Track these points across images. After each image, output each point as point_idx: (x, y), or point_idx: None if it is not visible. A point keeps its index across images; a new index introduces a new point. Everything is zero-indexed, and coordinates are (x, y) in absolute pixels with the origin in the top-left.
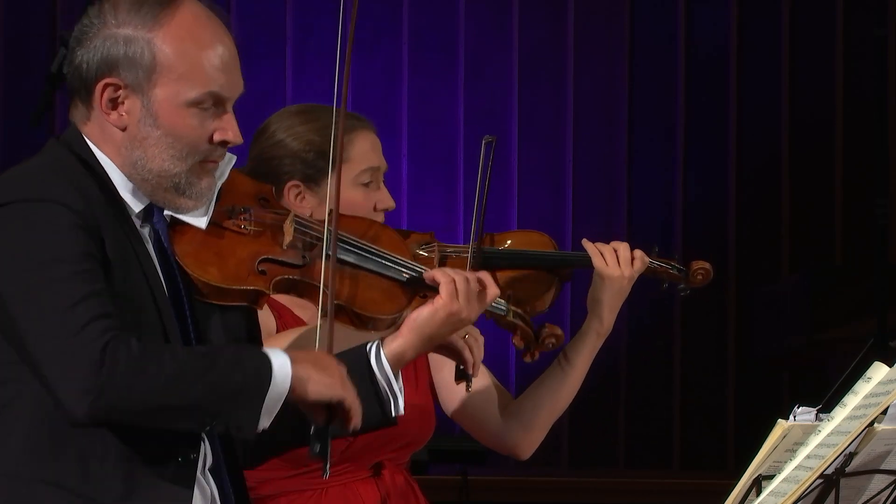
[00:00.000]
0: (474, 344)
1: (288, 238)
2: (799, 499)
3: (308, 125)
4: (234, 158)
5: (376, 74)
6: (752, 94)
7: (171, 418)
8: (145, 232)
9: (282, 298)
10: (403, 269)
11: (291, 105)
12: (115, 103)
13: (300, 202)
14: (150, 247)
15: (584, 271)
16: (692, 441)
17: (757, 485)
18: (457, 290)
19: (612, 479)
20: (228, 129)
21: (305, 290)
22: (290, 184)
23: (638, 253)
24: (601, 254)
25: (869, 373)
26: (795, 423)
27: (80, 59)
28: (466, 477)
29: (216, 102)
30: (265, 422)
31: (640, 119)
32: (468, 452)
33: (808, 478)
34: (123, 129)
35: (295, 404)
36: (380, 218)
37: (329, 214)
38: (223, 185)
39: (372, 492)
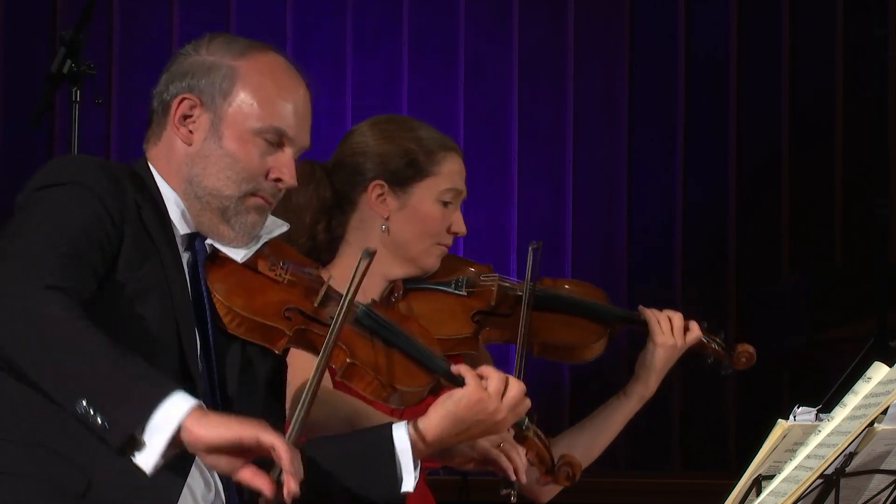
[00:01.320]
0: (511, 449)
1: (321, 298)
2: (799, 499)
3: (406, 133)
4: (287, 227)
5: (376, 74)
6: (752, 94)
7: (49, 377)
8: (185, 258)
9: None
10: (431, 356)
11: (380, 114)
12: (186, 119)
13: (380, 202)
14: (186, 272)
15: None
16: (693, 441)
17: (757, 485)
18: (489, 387)
19: (612, 479)
20: (285, 169)
21: (319, 347)
22: (374, 182)
23: (692, 324)
24: (658, 321)
25: (869, 373)
26: (795, 423)
27: (165, 83)
28: (466, 477)
29: (279, 142)
30: (149, 458)
31: (640, 119)
32: None
33: (808, 478)
34: (189, 145)
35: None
36: (449, 241)
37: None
38: (270, 243)
39: None
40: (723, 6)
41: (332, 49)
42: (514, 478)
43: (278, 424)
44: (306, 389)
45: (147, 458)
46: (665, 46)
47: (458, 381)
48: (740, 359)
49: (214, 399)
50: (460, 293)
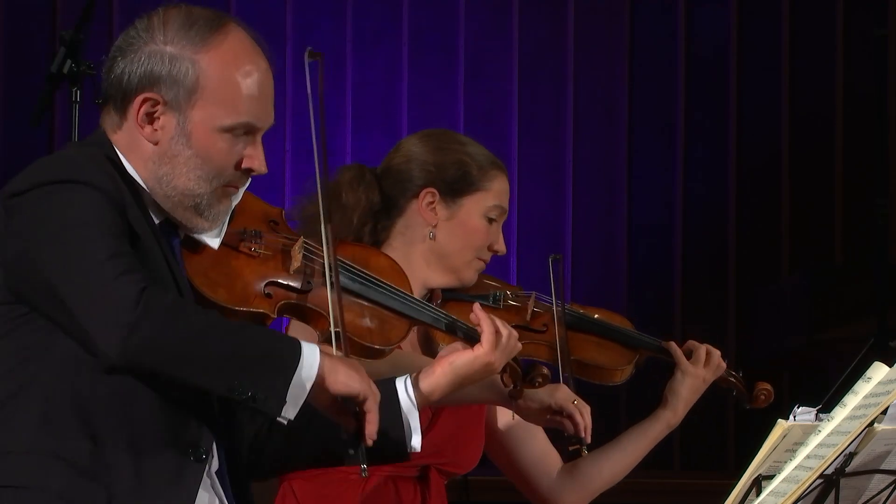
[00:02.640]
0: (584, 409)
1: (296, 263)
2: (799, 499)
3: (460, 146)
4: (249, 181)
5: (376, 74)
6: (752, 94)
7: (198, 370)
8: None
9: None
10: (424, 310)
11: (435, 128)
12: (151, 118)
13: (430, 210)
14: (167, 263)
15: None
16: (692, 441)
17: (757, 485)
18: (495, 342)
19: None
20: (256, 158)
21: (309, 315)
22: (426, 190)
23: (719, 358)
24: (692, 352)
25: (869, 373)
26: (795, 423)
27: (121, 69)
28: (467, 477)
29: (248, 131)
30: (291, 410)
31: (640, 119)
32: None
33: (808, 478)
34: (155, 144)
35: (322, 408)
36: (488, 257)
37: (326, 243)
38: (235, 206)
39: (412, 492)
40: (723, 6)
41: (332, 49)
42: (583, 434)
43: None
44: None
45: (288, 412)
46: (665, 46)
47: (469, 337)
48: (759, 396)
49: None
50: (497, 307)
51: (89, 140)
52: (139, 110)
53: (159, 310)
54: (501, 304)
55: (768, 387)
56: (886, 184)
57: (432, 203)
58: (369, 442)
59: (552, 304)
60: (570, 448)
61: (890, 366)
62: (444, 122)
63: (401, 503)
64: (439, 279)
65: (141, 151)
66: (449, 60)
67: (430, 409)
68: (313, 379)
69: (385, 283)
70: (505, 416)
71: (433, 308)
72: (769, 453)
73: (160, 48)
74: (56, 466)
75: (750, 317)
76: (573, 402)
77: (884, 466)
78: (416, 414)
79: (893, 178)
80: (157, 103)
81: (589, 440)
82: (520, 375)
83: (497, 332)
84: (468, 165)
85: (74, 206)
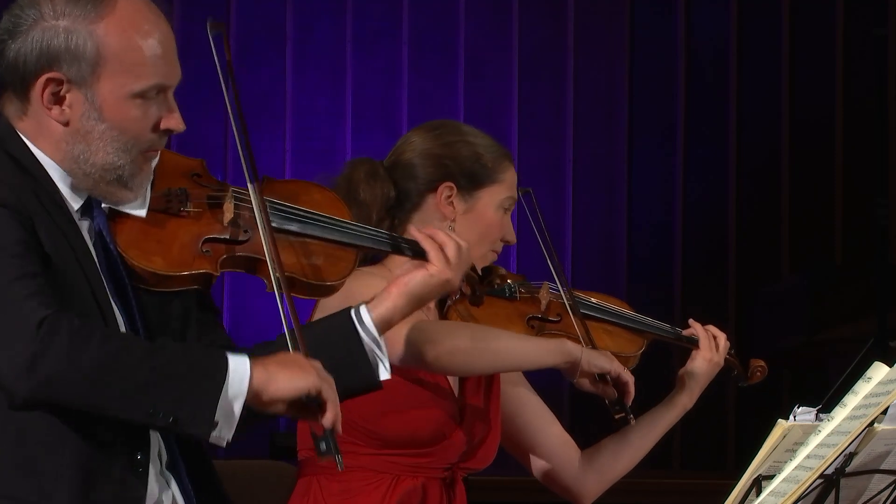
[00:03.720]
0: (630, 379)
1: (229, 215)
2: (799, 499)
3: (472, 139)
4: (162, 146)
5: (376, 74)
6: (752, 94)
7: (112, 399)
8: (84, 227)
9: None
10: (371, 234)
11: (437, 120)
12: (56, 97)
13: (448, 204)
14: (89, 242)
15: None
16: (692, 441)
17: (757, 485)
18: (447, 257)
19: None
20: (172, 118)
21: (254, 265)
22: (446, 183)
23: (722, 339)
24: (707, 338)
25: (869, 373)
26: (795, 423)
27: (14, 52)
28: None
29: (159, 91)
30: (226, 430)
31: (640, 119)
32: None
33: (808, 478)
34: (66, 124)
35: (283, 415)
36: (500, 248)
37: (252, 185)
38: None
39: (439, 494)
40: (723, 6)
41: (332, 49)
42: (630, 400)
43: (221, 343)
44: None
45: (224, 433)
46: (665, 46)
47: (416, 253)
48: (755, 373)
49: None
50: (514, 298)
51: None
52: (43, 93)
53: (64, 339)
54: (518, 296)
55: (762, 363)
56: (886, 184)
57: (450, 197)
58: (336, 428)
59: (566, 293)
60: (617, 416)
61: (890, 366)
62: None
63: (429, 501)
64: None
65: (51, 134)
66: (449, 60)
67: (458, 408)
68: (244, 394)
69: (321, 215)
70: (521, 408)
71: (375, 230)
72: (769, 453)
73: (52, 24)
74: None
75: (750, 317)
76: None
77: (884, 466)
78: (380, 341)
79: (893, 178)
80: (60, 82)
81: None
82: (477, 280)
83: (442, 247)
84: (483, 158)
85: None
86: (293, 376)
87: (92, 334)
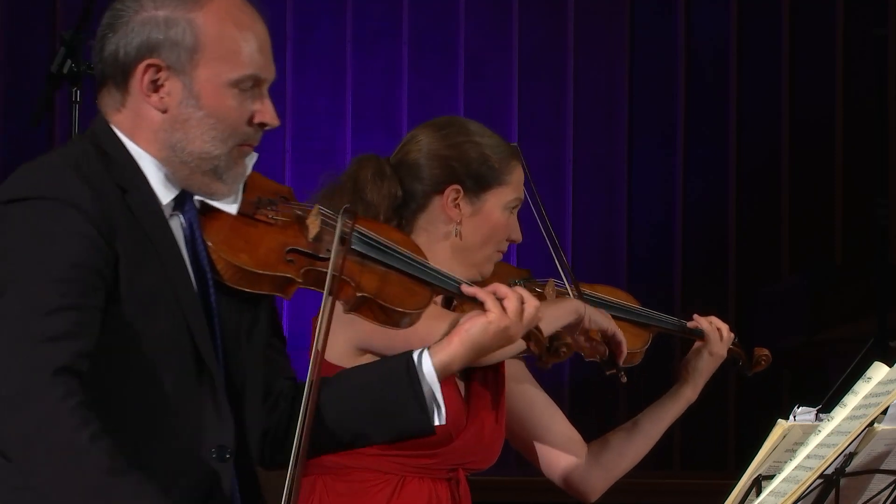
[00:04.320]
0: (623, 339)
1: (314, 231)
2: (799, 499)
3: (479, 139)
4: (257, 156)
5: (376, 74)
6: (752, 94)
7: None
8: (175, 223)
9: None
10: (443, 277)
11: (438, 117)
12: (155, 85)
13: (454, 207)
14: (179, 237)
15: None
16: (692, 441)
17: (757, 485)
18: (505, 308)
19: None
20: (266, 112)
21: (332, 283)
22: (452, 186)
23: (725, 330)
24: (712, 331)
25: (869, 373)
26: (795, 423)
27: (115, 46)
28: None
29: (254, 84)
30: None
31: (640, 119)
32: None
33: (808, 478)
34: (164, 112)
35: None
36: (505, 248)
37: (343, 212)
38: (246, 181)
39: (446, 494)
40: (723, 6)
41: (332, 49)
42: (622, 360)
43: (286, 374)
44: (316, 337)
45: None
46: (665, 46)
47: (476, 302)
48: (760, 361)
49: (223, 383)
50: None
51: (88, 132)
52: (143, 79)
53: (48, 405)
54: None
55: (766, 352)
56: (886, 184)
57: (456, 199)
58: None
59: (571, 288)
60: (608, 373)
61: (890, 366)
62: None
63: (435, 502)
64: (462, 274)
65: (149, 124)
66: (449, 60)
67: (466, 408)
68: None
69: (404, 251)
70: (527, 405)
71: (452, 276)
72: (769, 453)
73: (152, 14)
74: None
75: (750, 317)
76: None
77: (884, 466)
78: (439, 387)
79: (893, 178)
80: (159, 69)
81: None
82: (544, 346)
83: (502, 299)
84: (490, 159)
85: (45, 234)
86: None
87: (73, 424)
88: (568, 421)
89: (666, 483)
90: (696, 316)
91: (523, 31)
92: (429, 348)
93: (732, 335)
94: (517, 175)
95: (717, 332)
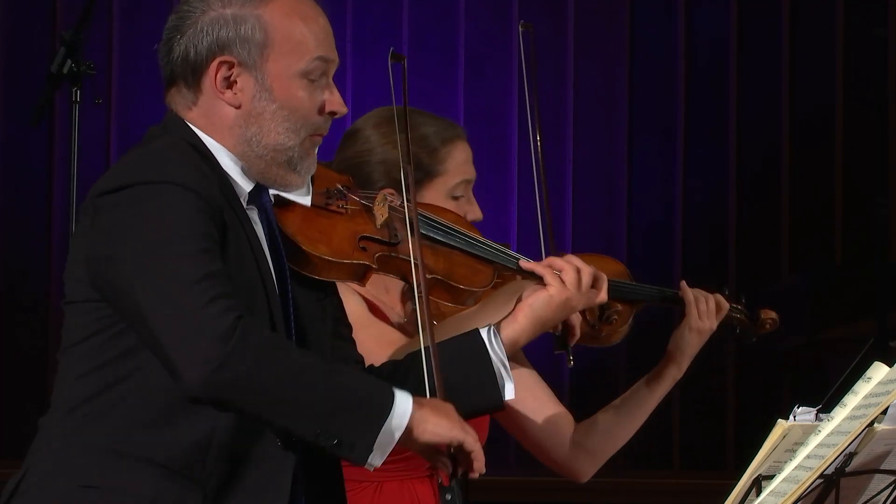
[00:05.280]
0: (576, 323)
1: (382, 218)
2: (799, 499)
3: (414, 131)
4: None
5: (376, 74)
6: (752, 94)
7: (286, 414)
8: (254, 214)
9: (367, 292)
10: (505, 255)
11: (382, 108)
12: (228, 82)
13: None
14: (258, 228)
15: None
16: (692, 441)
17: (757, 485)
18: (566, 280)
19: (612, 478)
20: (335, 100)
21: (402, 266)
22: (385, 191)
23: (721, 301)
24: (696, 304)
25: (869, 373)
26: (795, 423)
27: (184, 46)
28: (467, 477)
29: (322, 73)
30: (377, 458)
31: (640, 119)
32: None
33: (808, 478)
34: (238, 107)
35: (415, 451)
36: None
37: (407, 202)
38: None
39: (428, 491)
40: (723, 6)
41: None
42: (573, 342)
43: (355, 359)
44: (422, 337)
45: (375, 460)
46: (665, 46)
47: (534, 277)
48: (764, 325)
49: None
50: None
51: (166, 127)
52: (216, 77)
53: (251, 348)
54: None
55: (773, 314)
56: (886, 184)
57: (395, 202)
58: (476, 475)
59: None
60: (556, 352)
61: (890, 366)
62: None
63: (419, 503)
64: None
65: (223, 120)
66: (449, 60)
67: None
68: (403, 429)
69: (464, 231)
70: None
71: (510, 253)
72: (769, 453)
73: (220, 13)
74: (146, 471)
75: None
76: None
77: (884, 466)
78: (507, 362)
79: (893, 178)
80: (232, 66)
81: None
82: (597, 314)
83: (556, 269)
84: (418, 155)
85: (164, 213)
86: (440, 424)
87: (279, 347)
88: (556, 399)
89: (666, 483)
90: (682, 285)
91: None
92: (495, 324)
93: (727, 305)
94: (456, 158)
95: (701, 305)
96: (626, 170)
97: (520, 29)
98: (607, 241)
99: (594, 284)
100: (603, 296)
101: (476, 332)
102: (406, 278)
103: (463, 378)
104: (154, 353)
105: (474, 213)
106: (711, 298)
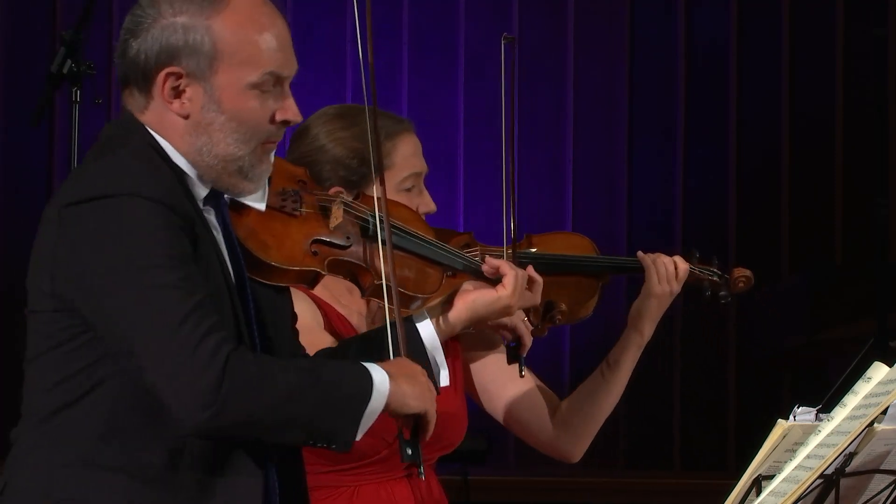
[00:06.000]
0: (524, 333)
1: (336, 220)
2: (799, 499)
3: (351, 130)
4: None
5: (377, 74)
6: (752, 94)
7: (279, 433)
8: (211, 217)
9: (323, 293)
10: (453, 256)
11: (331, 106)
12: (177, 91)
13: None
14: (217, 233)
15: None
16: (692, 441)
17: (757, 485)
18: (516, 286)
19: (612, 478)
20: (289, 108)
21: (356, 270)
22: (333, 189)
23: (680, 264)
24: (655, 269)
25: (869, 373)
26: (795, 423)
27: (136, 50)
28: (467, 477)
29: (275, 83)
30: (359, 436)
31: (640, 119)
32: (468, 452)
33: (808, 478)
34: (186, 117)
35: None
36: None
37: (378, 201)
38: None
39: (405, 492)
40: (723, 6)
41: (332, 49)
42: (524, 353)
43: (299, 353)
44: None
45: (352, 441)
46: (665, 46)
47: (489, 280)
48: (738, 283)
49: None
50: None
51: (127, 129)
52: (164, 87)
53: (243, 388)
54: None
55: (747, 272)
56: (886, 184)
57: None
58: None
59: (503, 249)
60: (508, 363)
61: (890, 366)
62: (444, 122)
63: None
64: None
65: (174, 128)
66: (449, 60)
67: (451, 370)
68: (381, 409)
69: (417, 233)
70: (480, 376)
71: (462, 254)
72: (769, 453)
73: (171, 21)
74: (121, 481)
75: (750, 317)
76: (524, 320)
77: (884, 466)
78: (441, 349)
79: (893, 178)
80: (180, 76)
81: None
82: (540, 314)
83: (517, 276)
84: (361, 151)
85: (137, 232)
86: (417, 396)
87: (265, 376)
88: (538, 382)
89: (666, 483)
90: (639, 253)
91: (523, 31)
92: (428, 311)
93: (686, 266)
94: (401, 151)
95: (661, 270)
96: (626, 170)
97: (502, 42)
98: (607, 241)
99: (530, 288)
100: (537, 299)
101: (410, 320)
102: (356, 280)
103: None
104: (145, 383)
105: (426, 205)
106: (671, 262)
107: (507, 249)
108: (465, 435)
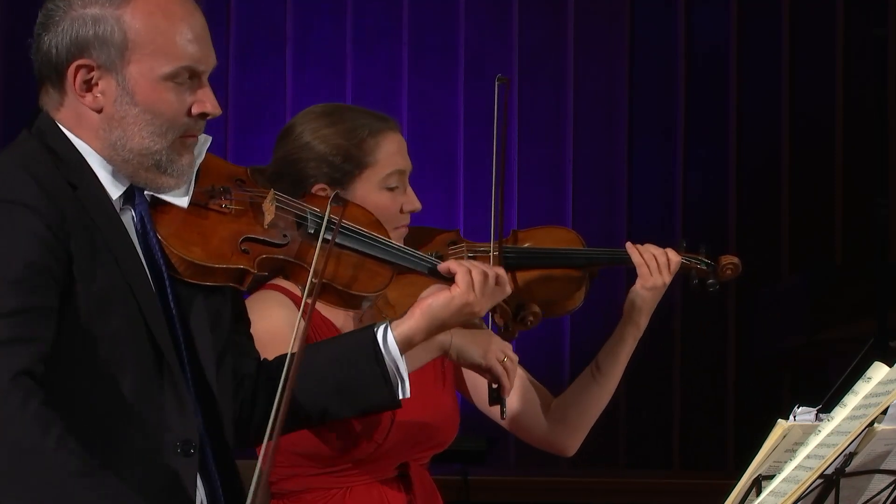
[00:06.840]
0: (511, 367)
1: (269, 217)
2: (799, 499)
3: (335, 128)
4: (210, 139)
5: (376, 74)
6: (752, 94)
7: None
8: (126, 217)
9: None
10: (405, 255)
11: (316, 105)
12: (89, 85)
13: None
14: (131, 231)
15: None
16: (692, 441)
17: (757, 485)
18: (473, 282)
19: (612, 478)
20: (206, 101)
21: (290, 269)
22: (317, 186)
23: (672, 255)
24: (646, 263)
25: (869, 373)
26: (795, 423)
27: (48, 45)
28: (467, 477)
29: (191, 76)
30: None
31: (640, 119)
32: (468, 452)
33: (808, 478)
34: (99, 111)
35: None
36: (406, 220)
37: (330, 204)
38: (200, 166)
39: (397, 492)
40: (723, 6)
41: (332, 49)
42: (506, 395)
43: (251, 355)
44: (293, 338)
45: None
46: (665, 46)
47: (443, 278)
48: (725, 271)
49: (185, 376)
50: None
51: (35, 128)
52: (75, 80)
53: (12, 413)
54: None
55: (735, 259)
56: (886, 184)
57: (327, 197)
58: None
59: (488, 246)
60: (490, 405)
61: (890, 366)
62: (444, 122)
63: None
64: None
65: (88, 123)
66: (449, 60)
67: (441, 368)
68: None
69: (364, 231)
70: (477, 377)
71: (414, 252)
72: (769, 453)
73: (81, 13)
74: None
75: (750, 317)
76: (503, 361)
77: (884, 466)
78: (403, 361)
79: (893, 178)
80: (91, 69)
81: (507, 396)
82: (510, 315)
83: (471, 272)
84: (345, 148)
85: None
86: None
87: (36, 425)
88: (530, 377)
89: (666, 483)
90: (628, 245)
91: (523, 31)
92: (389, 322)
93: (678, 258)
94: (385, 149)
95: (651, 263)
96: (626, 170)
97: (496, 83)
98: (607, 241)
99: (497, 284)
100: (504, 292)
101: (370, 329)
102: (291, 278)
103: (354, 376)
104: None
105: (411, 203)
106: (662, 254)
107: (492, 245)
108: (465, 435)
